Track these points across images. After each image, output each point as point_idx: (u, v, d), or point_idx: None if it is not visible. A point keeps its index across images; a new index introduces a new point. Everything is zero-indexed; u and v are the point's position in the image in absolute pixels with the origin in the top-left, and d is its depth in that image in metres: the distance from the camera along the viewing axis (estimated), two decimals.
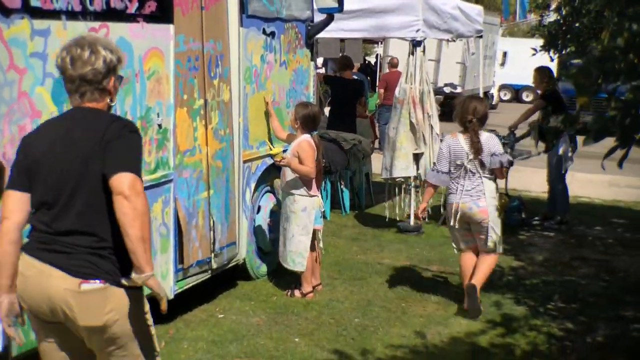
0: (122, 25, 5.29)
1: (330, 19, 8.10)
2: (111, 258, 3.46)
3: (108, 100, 3.62)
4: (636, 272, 8.26)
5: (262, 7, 7.09)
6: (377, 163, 12.10)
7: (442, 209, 10.16)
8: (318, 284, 7.16)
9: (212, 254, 6.49)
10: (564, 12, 8.22)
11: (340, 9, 8.01)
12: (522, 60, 34.64)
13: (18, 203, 3.50)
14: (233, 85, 6.71)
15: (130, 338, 3.56)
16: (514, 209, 10.24)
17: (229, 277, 7.15)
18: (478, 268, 6.73)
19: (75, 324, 3.48)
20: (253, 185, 7.13)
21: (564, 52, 8.39)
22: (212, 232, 6.44)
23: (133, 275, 3.41)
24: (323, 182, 9.93)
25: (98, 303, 3.44)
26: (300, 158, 6.77)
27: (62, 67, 3.56)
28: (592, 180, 13.91)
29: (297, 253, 6.92)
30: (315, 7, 8.10)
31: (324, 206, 7.09)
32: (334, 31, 9.39)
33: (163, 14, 5.74)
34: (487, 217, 6.64)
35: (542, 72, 10.02)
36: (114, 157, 3.40)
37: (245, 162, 6.93)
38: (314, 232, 6.94)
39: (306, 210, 6.86)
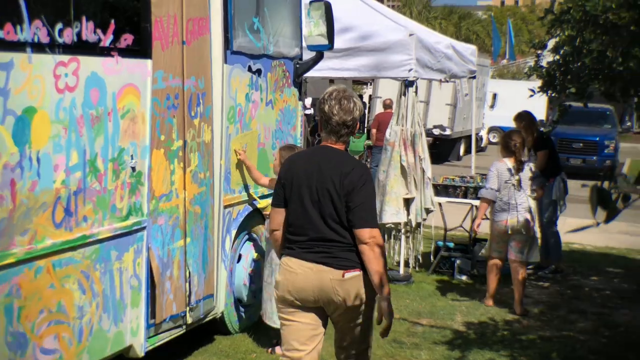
0: (95, 59, 4.89)
1: (320, 56, 7.71)
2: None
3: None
4: (637, 327, 7.82)
5: (248, 43, 6.70)
6: None
7: (432, 257, 9.82)
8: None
9: (188, 308, 6.02)
10: (561, 52, 7.86)
11: (330, 46, 7.63)
12: (512, 102, 34.62)
13: (278, 221, 4.66)
14: (215, 125, 6.29)
15: (369, 316, 4.58)
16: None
17: (205, 331, 6.67)
18: None
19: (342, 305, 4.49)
20: (234, 232, 6.67)
21: (562, 93, 8.01)
22: (187, 284, 5.98)
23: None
24: None
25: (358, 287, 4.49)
26: None
27: (328, 112, 4.58)
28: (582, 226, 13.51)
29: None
30: (304, 44, 7.73)
31: None
32: (323, 70, 9.02)
33: (140, 48, 5.35)
34: None
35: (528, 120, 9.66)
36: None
37: (226, 207, 6.49)
38: None
39: None
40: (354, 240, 4.45)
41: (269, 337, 6.72)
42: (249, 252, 6.98)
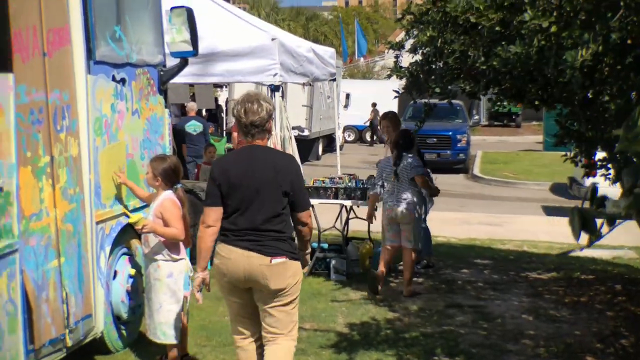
0: None
1: (184, 63, 7.56)
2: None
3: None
4: (512, 317, 8.02)
5: (111, 51, 6.46)
6: None
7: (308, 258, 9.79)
8: (185, 355, 6.50)
9: (67, 330, 5.73)
10: (423, 52, 7.96)
11: (195, 52, 7.48)
12: (363, 101, 35.24)
13: (217, 214, 5.23)
14: (82, 138, 6.02)
15: (294, 298, 5.34)
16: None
17: (85, 352, 6.39)
18: None
19: (266, 287, 5.17)
20: (108, 249, 6.41)
21: (426, 93, 8.11)
22: (65, 305, 5.69)
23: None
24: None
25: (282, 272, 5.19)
26: (164, 220, 6.14)
27: (237, 116, 5.22)
28: (445, 219, 13.90)
29: (167, 324, 6.24)
30: (167, 51, 7.53)
31: (192, 269, 6.47)
32: (186, 76, 8.86)
33: (1, 62, 5.05)
34: None
35: (396, 119, 9.76)
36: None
37: (98, 223, 6.22)
38: (184, 299, 6.29)
39: (172, 276, 6.23)
40: (285, 230, 5.21)
41: (151, 353, 6.52)
42: (124, 268, 6.73)
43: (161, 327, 6.24)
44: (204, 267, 5.36)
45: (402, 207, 8.75)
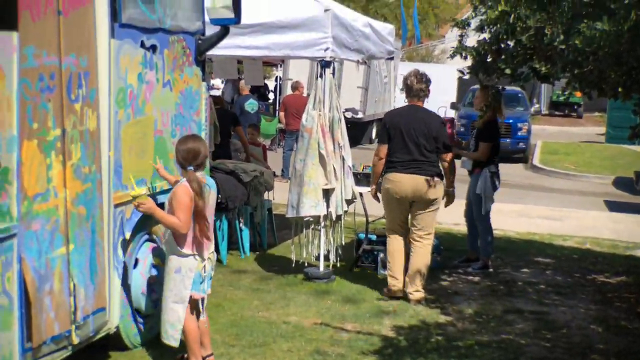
0: None
1: (225, 32, 6.82)
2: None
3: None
4: (579, 327, 7.19)
5: (141, 14, 5.76)
6: (279, 193, 10.88)
7: (354, 251, 9.04)
8: (209, 355, 5.82)
9: (73, 326, 5.06)
10: (493, 30, 7.13)
11: (237, 20, 6.74)
12: None
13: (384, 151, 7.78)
14: (102, 110, 5.33)
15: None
16: (432, 250, 9.10)
17: (100, 347, 5.74)
18: None
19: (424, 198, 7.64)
20: (128, 235, 5.73)
21: (495, 75, 7.29)
22: (73, 298, 5.01)
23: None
24: (219, 222, 8.61)
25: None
26: (171, 208, 5.50)
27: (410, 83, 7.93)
28: (502, 210, 13.04)
29: (169, 324, 5.60)
30: (207, 17, 6.82)
31: (210, 269, 5.74)
32: (230, 48, 8.13)
33: (2, 18, 4.37)
34: None
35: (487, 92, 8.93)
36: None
37: (117, 206, 5.55)
38: (194, 301, 5.62)
39: (180, 272, 5.54)
40: (434, 161, 7.74)
41: (172, 352, 5.82)
42: (146, 257, 6.04)
43: (164, 326, 5.63)
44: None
45: None
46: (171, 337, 5.59)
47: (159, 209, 5.57)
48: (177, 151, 5.59)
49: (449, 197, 8.00)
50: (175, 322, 5.56)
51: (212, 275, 5.79)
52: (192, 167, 5.52)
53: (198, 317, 5.64)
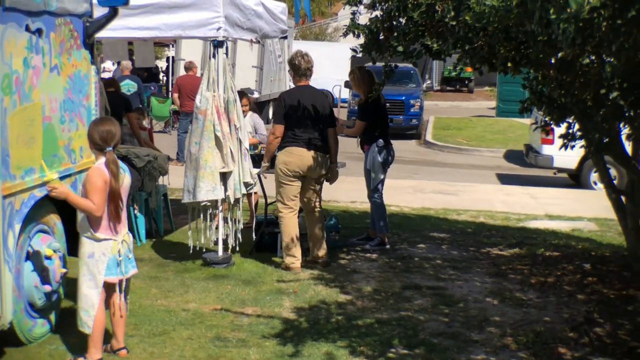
0: None
1: (114, 13, 6.64)
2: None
3: None
4: (475, 300, 7.32)
5: None
6: (174, 177, 10.72)
7: (253, 234, 8.96)
8: (121, 348, 5.71)
9: None
10: (385, 7, 7.14)
11: (126, 1, 6.57)
12: (316, 64, 34.28)
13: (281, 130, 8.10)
14: None
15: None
16: (331, 229, 9.15)
17: None
18: None
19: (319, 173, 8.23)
20: (18, 227, 5.53)
21: (387, 53, 7.31)
22: None
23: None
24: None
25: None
26: (85, 191, 5.42)
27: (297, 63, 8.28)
28: (397, 187, 13.24)
29: (84, 310, 5.49)
30: None
31: (127, 251, 5.65)
32: (120, 30, 7.96)
33: None
34: None
35: (365, 73, 9.05)
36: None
37: (6, 197, 5.33)
38: (109, 285, 5.50)
39: (93, 257, 5.44)
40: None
41: (73, 346, 5.66)
42: (39, 248, 5.85)
43: (79, 313, 5.51)
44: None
45: None
46: (85, 324, 5.48)
47: (72, 193, 5.47)
48: (95, 132, 5.47)
49: (333, 173, 8.38)
50: (89, 309, 5.45)
51: (134, 257, 5.74)
52: (110, 148, 5.43)
53: (113, 302, 5.59)
